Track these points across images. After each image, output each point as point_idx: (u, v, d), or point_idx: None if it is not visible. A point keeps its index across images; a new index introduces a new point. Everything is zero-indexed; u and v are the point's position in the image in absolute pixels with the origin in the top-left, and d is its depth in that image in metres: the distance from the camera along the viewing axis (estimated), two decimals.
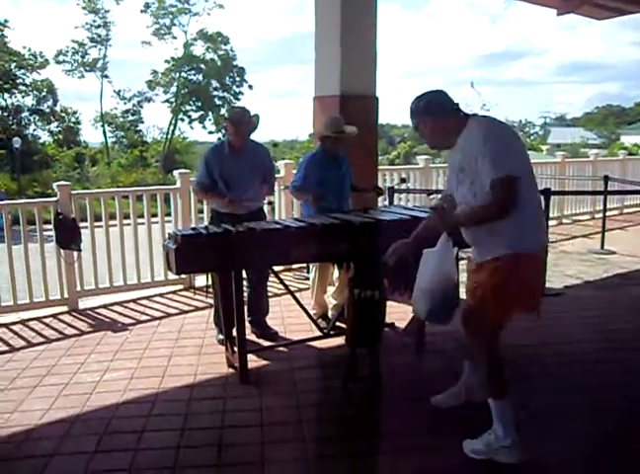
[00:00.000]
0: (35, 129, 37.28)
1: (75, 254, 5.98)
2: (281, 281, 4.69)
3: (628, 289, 6.40)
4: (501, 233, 2.91)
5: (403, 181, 7.45)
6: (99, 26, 38.90)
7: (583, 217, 10.97)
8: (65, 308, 5.98)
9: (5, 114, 35.40)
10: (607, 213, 8.91)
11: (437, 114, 3.09)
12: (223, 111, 41.18)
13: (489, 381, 3.12)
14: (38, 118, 37.00)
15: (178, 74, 40.29)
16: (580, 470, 3.09)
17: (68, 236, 5.86)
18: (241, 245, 3.91)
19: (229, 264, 3.99)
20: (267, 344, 4.81)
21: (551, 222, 7.91)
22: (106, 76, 39.86)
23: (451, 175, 3.21)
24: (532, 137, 62.85)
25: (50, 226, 5.94)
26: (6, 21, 35.74)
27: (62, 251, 5.92)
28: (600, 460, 3.13)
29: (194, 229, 4.29)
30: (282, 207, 7.17)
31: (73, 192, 6.14)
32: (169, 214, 6.74)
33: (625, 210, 11.68)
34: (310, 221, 4.27)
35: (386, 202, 6.84)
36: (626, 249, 8.26)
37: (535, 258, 3.04)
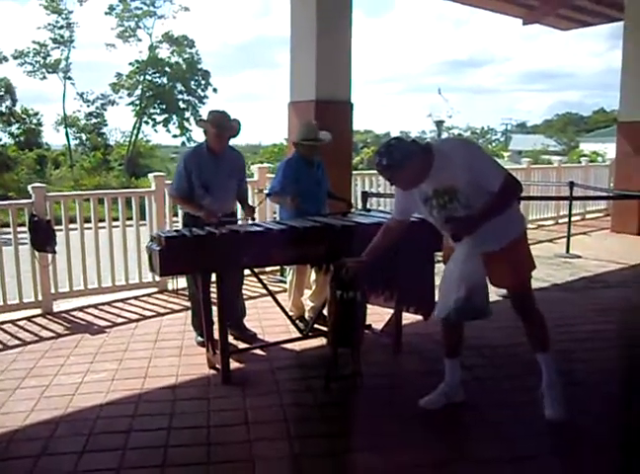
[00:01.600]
0: None
1: (50, 256, 5.95)
2: (263, 284, 4.76)
3: (595, 292, 6.59)
4: (513, 218, 3.43)
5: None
6: (62, 27, 38.29)
7: (547, 222, 11.23)
8: (39, 311, 5.95)
9: None
10: (572, 219, 9.14)
11: (409, 162, 3.22)
12: (188, 114, 40.95)
13: (545, 334, 3.57)
14: None
15: (142, 77, 39.91)
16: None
17: (43, 238, 5.84)
18: (225, 247, 3.97)
19: (213, 265, 4.04)
20: (246, 345, 4.86)
21: None
22: (69, 78, 39.31)
23: (420, 203, 3.44)
24: (494, 144, 63.76)
25: (24, 228, 5.91)
26: None
27: (37, 253, 5.89)
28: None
29: (177, 231, 4.33)
30: (256, 211, 7.20)
31: (48, 194, 6.11)
32: (131, 218, 6.73)
33: (588, 216, 11.97)
34: (291, 224, 4.34)
35: (359, 207, 6.94)
36: (591, 253, 8.50)
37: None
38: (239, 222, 4.89)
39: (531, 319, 3.55)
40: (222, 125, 4.68)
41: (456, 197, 3.26)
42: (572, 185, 8.83)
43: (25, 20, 69.53)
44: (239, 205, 5.15)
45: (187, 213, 4.93)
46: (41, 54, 38.79)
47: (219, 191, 4.74)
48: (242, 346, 4.85)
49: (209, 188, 4.72)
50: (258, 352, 4.76)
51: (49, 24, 38.35)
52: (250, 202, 5.40)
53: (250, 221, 4.93)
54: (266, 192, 5.88)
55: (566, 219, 9.23)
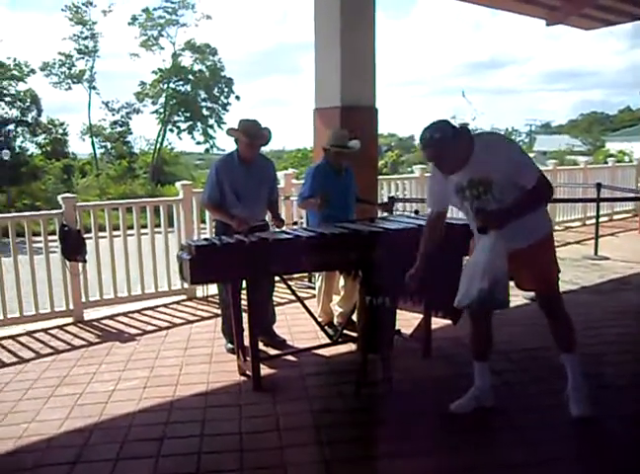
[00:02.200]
0: (22, 141, 37.11)
1: (80, 265, 6.04)
2: (292, 291, 4.79)
3: (624, 294, 6.53)
4: (541, 218, 3.51)
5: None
6: (86, 37, 38.81)
7: (574, 224, 11.13)
8: (70, 319, 6.04)
9: None
10: (599, 220, 9.05)
11: (457, 141, 3.32)
12: (211, 121, 41.24)
13: (572, 335, 3.58)
14: (22, 129, 36.85)
15: (166, 85, 40.26)
16: None
17: (73, 248, 5.92)
18: (254, 255, 4.00)
19: (243, 273, 4.07)
20: (276, 352, 4.89)
21: None
22: (94, 88, 39.79)
23: (453, 193, 3.48)
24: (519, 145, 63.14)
25: (54, 237, 6.00)
26: None
27: (67, 262, 5.98)
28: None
29: (206, 240, 4.37)
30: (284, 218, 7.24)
31: (78, 203, 6.20)
32: (158, 225, 6.79)
33: (615, 217, 11.86)
34: (320, 231, 4.36)
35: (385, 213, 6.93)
36: (619, 255, 8.41)
37: None
38: (270, 230, 4.93)
39: (559, 320, 3.56)
40: (253, 134, 4.71)
41: (491, 188, 3.33)
42: (599, 186, 8.75)
43: (51, 31, 70.69)
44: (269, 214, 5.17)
45: (218, 221, 4.98)
46: (67, 65, 39.32)
47: (250, 199, 4.77)
48: (272, 352, 4.88)
49: (240, 196, 4.75)
50: (288, 358, 4.78)
51: (74, 35, 38.92)
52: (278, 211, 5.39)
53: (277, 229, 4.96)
54: (293, 199, 5.90)
55: (593, 220, 9.15)
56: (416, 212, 5.59)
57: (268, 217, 5.22)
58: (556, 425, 3.54)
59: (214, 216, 5.14)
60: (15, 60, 35.84)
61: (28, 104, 36.58)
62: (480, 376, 3.74)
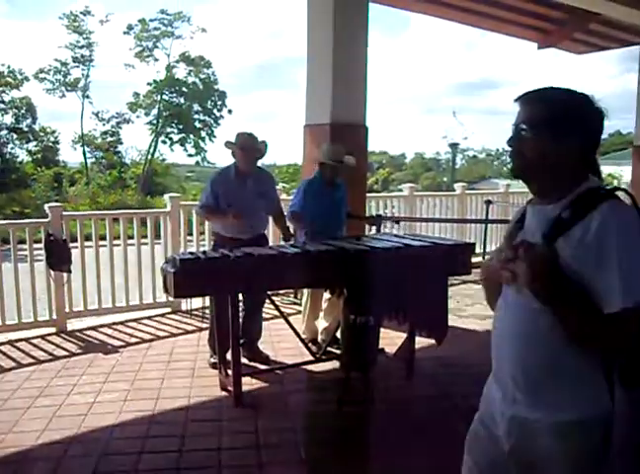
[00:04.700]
0: (13, 148, 36.98)
1: (65, 275, 6.00)
2: (276, 307, 4.78)
3: None
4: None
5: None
6: (82, 46, 38.83)
7: None
8: (54, 329, 5.99)
9: None
10: None
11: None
12: (204, 134, 41.25)
13: None
14: (16, 136, 36.75)
15: (159, 96, 40.29)
16: None
17: (59, 258, 5.89)
18: (238, 269, 3.99)
19: (226, 288, 4.06)
20: (259, 367, 4.87)
21: None
22: (87, 96, 39.74)
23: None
24: (509, 165, 63.65)
25: (40, 245, 5.96)
26: None
27: (52, 272, 5.94)
28: None
29: (192, 253, 4.36)
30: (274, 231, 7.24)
31: (64, 213, 6.18)
32: (145, 236, 6.77)
33: None
34: (305, 248, 4.36)
35: (373, 230, 6.95)
36: None
37: None
38: (269, 244, 4.98)
39: None
40: (250, 147, 4.76)
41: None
42: None
43: (43, 37, 70.65)
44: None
45: (216, 233, 5.01)
46: (62, 73, 39.28)
47: (247, 212, 4.76)
48: (255, 368, 4.85)
49: (234, 208, 4.75)
50: (271, 374, 4.76)
51: (70, 43, 38.90)
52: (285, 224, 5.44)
53: (284, 242, 5.07)
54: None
55: None
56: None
57: (270, 231, 5.28)
58: None
59: (211, 221, 5.22)
60: (9, 67, 35.81)
61: (23, 111, 36.54)
62: None
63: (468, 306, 6.57)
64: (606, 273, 1.57)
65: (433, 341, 4.43)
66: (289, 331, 4.80)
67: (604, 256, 1.58)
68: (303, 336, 5.07)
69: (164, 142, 41.16)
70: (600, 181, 1.77)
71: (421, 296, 4.18)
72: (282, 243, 5.08)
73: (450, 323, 4.54)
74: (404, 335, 4.72)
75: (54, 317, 6.04)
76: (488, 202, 9.32)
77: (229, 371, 4.31)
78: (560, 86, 1.78)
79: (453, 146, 38.03)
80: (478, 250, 8.22)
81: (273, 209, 5.17)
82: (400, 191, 9.70)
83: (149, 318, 6.45)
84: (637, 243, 1.61)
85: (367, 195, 7.95)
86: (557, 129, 1.69)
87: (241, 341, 4.80)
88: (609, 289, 1.57)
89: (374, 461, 3.41)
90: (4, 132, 35.72)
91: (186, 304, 6.40)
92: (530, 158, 1.74)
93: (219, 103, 41.32)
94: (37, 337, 5.81)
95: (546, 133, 1.70)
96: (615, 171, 35.43)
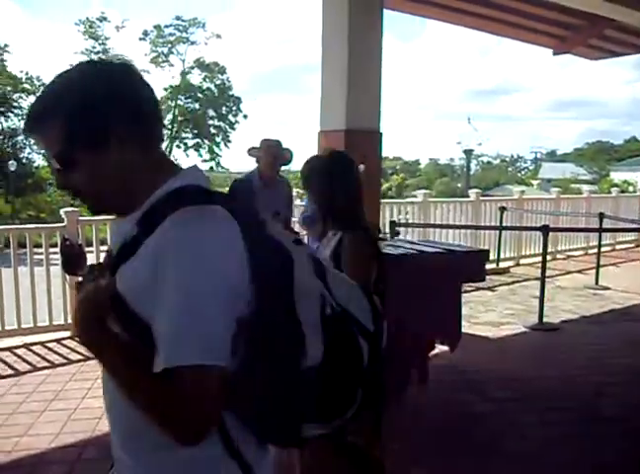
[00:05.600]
0: (29, 153, 37.35)
1: (80, 279, 6.02)
2: None
3: (624, 325, 6.50)
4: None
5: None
6: (98, 52, 39.18)
7: (576, 253, 11.11)
8: (68, 333, 6.02)
9: (0, 137, 35.49)
10: (601, 249, 9.05)
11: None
12: (218, 139, 41.45)
13: None
14: (32, 141, 37.05)
15: (174, 102, 40.62)
16: None
17: (74, 262, 5.90)
18: None
19: None
20: None
21: (547, 257, 7.99)
22: None
23: None
24: (523, 172, 63.59)
25: (55, 249, 5.99)
26: (6, 45, 36.07)
27: (67, 276, 5.96)
28: None
29: None
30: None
31: (80, 217, 6.22)
32: None
33: (618, 247, 11.84)
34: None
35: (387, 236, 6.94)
36: (620, 285, 8.39)
37: None
38: None
39: None
40: (275, 154, 4.77)
41: None
42: (602, 216, 8.76)
43: (61, 43, 71.27)
44: None
45: None
46: None
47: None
48: None
49: None
50: None
51: (87, 49, 39.27)
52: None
53: None
54: (294, 219, 5.92)
55: (595, 250, 9.15)
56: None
57: None
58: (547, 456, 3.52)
59: None
60: (27, 74, 36.17)
61: None
62: None
63: (482, 313, 6.62)
64: (160, 315, 1.10)
65: (446, 347, 4.43)
66: None
67: (158, 290, 1.10)
68: None
69: (179, 147, 41.42)
70: (201, 174, 1.28)
71: (435, 303, 4.17)
72: None
73: (464, 330, 4.53)
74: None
75: (69, 321, 6.07)
76: (502, 209, 9.31)
77: None
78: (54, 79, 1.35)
79: (468, 152, 37.97)
80: (492, 257, 8.21)
81: (286, 216, 5.14)
82: (414, 197, 9.69)
83: None
84: (199, 273, 1.09)
85: (382, 201, 7.96)
86: (75, 139, 1.21)
87: None
88: (159, 339, 1.10)
89: (387, 467, 3.39)
90: (21, 137, 36.00)
91: None
92: (88, 190, 1.24)
93: (234, 108, 41.50)
94: (52, 340, 5.84)
95: (74, 150, 1.21)
96: (631, 177, 35.20)
